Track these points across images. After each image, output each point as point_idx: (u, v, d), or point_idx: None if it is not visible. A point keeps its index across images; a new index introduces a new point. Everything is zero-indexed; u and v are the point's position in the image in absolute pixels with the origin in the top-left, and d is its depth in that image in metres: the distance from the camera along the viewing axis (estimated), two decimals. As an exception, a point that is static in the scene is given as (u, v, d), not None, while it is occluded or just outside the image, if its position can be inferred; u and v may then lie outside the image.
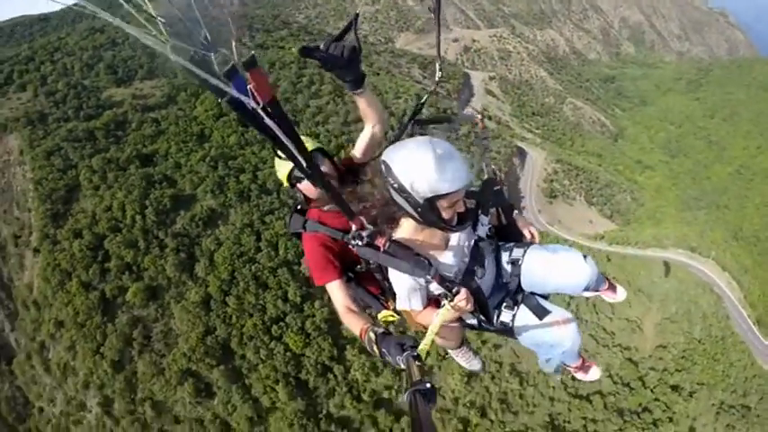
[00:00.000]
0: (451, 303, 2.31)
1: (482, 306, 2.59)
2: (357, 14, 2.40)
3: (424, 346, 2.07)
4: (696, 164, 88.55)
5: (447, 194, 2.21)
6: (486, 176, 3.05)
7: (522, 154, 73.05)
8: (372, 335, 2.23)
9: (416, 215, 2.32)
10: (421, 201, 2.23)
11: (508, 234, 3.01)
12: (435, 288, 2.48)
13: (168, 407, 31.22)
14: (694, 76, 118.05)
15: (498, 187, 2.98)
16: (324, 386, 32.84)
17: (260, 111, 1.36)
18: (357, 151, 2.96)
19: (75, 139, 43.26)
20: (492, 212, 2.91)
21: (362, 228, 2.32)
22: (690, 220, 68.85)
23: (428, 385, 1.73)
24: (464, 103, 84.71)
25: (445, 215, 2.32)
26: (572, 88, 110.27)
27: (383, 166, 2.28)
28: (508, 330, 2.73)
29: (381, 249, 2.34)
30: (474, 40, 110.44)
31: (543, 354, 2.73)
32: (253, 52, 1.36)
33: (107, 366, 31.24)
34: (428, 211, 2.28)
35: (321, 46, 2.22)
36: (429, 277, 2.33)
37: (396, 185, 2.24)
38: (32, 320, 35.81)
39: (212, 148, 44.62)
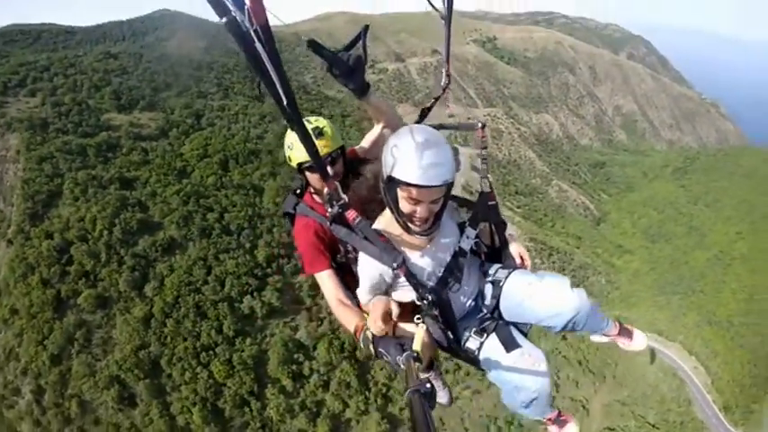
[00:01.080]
0: (419, 320, 2.35)
1: (450, 323, 2.57)
2: (367, 26, 2.71)
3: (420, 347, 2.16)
4: (676, 249, 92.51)
5: (409, 184, 2.19)
6: (481, 189, 2.98)
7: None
8: (369, 334, 2.26)
9: (383, 192, 2.36)
10: (386, 176, 2.27)
11: (498, 255, 2.98)
12: (402, 285, 2.54)
13: (92, 407, 35.90)
14: (681, 164, 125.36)
15: (493, 202, 2.94)
16: (239, 418, 37.68)
17: (252, 33, 1.45)
18: (364, 144, 3.26)
19: (67, 151, 49.96)
20: (484, 229, 2.92)
21: (337, 194, 2.40)
22: (663, 304, 72.17)
23: (428, 386, 1.79)
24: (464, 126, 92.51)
25: (402, 206, 2.31)
26: (560, 171, 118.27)
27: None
28: (475, 360, 2.64)
29: (352, 223, 2.41)
30: (468, 118, 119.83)
31: (507, 397, 2.62)
32: None
33: (46, 358, 36.22)
34: (387, 191, 2.31)
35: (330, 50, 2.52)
36: (395, 265, 2.36)
37: (383, 152, 2.32)
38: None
39: (189, 185, 51.41)
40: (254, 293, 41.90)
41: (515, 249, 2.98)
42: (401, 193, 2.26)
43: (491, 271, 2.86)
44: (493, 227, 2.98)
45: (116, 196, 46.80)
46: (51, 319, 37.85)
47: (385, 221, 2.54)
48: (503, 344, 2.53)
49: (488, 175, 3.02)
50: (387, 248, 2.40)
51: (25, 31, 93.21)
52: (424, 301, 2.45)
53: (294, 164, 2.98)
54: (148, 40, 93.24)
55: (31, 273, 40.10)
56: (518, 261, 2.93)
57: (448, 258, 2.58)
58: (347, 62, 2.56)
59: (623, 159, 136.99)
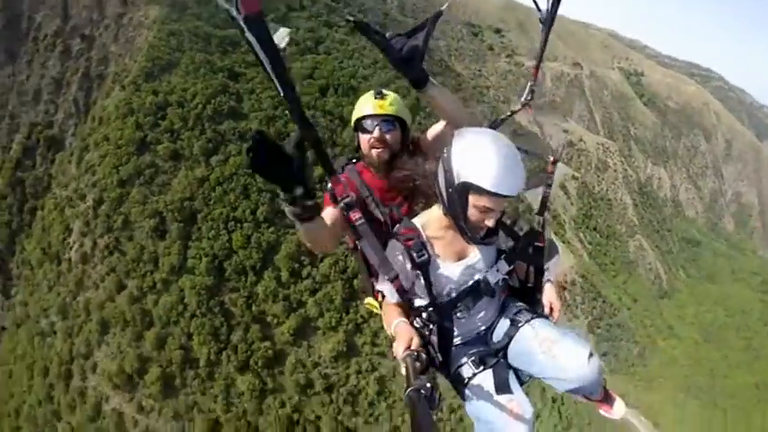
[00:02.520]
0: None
1: (443, 345, 2.63)
2: (439, 13, 2.58)
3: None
4: (723, 359, 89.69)
5: (485, 192, 2.23)
6: (531, 227, 2.94)
7: (551, 250, 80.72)
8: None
9: (445, 196, 2.36)
10: (456, 182, 2.28)
11: (526, 297, 2.93)
12: (417, 289, 2.57)
13: (133, 227, 46.32)
14: None
15: (540, 245, 2.91)
16: (234, 282, 44.16)
17: (240, 21, 1.50)
18: (428, 136, 3.13)
19: (195, 34, 59.57)
20: (521, 266, 2.88)
21: (339, 187, 2.46)
22: (679, 403, 71.86)
23: (428, 385, 1.85)
24: (531, 185, 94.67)
25: (471, 214, 2.34)
26: (648, 229, 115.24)
27: (452, 139, 2.37)
28: (460, 385, 2.59)
29: (354, 223, 2.44)
30: (581, 139, 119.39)
31: (477, 427, 2.50)
32: None
33: (116, 180, 47.11)
34: (456, 197, 2.31)
35: (387, 34, 2.46)
36: (387, 278, 2.45)
37: (446, 157, 2.33)
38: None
39: None
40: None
41: (547, 297, 2.88)
42: (473, 200, 2.29)
43: (513, 308, 2.79)
44: (531, 268, 2.92)
45: (220, 81, 56.32)
46: (131, 154, 48.34)
47: (429, 220, 2.60)
48: (495, 384, 2.46)
49: (546, 214, 3.05)
50: (384, 259, 2.47)
51: None
52: (423, 315, 2.55)
53: (352, 122, 3.08)
54: None
55: (130, 115, 50.96)
56: (546, 310, 2.84)
57: (470, 282, 2.61)
58: (400, 50, 2.46)
59: (719, 248, 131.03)
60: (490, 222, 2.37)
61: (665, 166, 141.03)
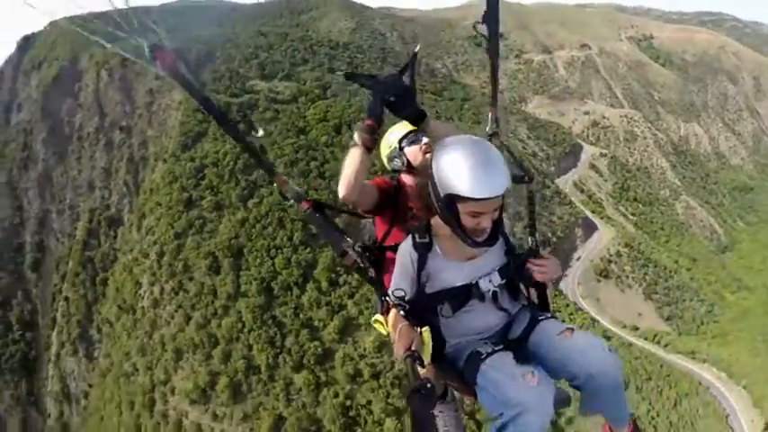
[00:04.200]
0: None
1: (436, 343, 2.67)
2: (416, 53, 2.92)
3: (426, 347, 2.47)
4: None
5: (469, 199, 2.37)
6: (530, 246, 3.11)
7: (590, 227, 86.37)
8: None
9: (437, 208, 2.53)
10: (442, 194, 2.44)
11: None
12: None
13: (193, 268, 58.58)
14: None
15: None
16: (283, 298, 54.73)
17: (161, 72, 2.04)
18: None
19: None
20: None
21: (284, 185, 2.69)
22: (761, 350, 70.51)
23: (429, 386, 2.01)
24: (562, 171, 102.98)
25: (464, 221, 2.48)
26: (693, 187, 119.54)
27: (433, 154, 2.56)
28: (474, 365, 2.59)
29: (306, 210, 2.75)
30: (604, 117, 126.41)
31: (491, 410, 2.48)
32: (161, 40, 2.09)
33: (172, 235, 60.11)
34: (447, 210, 2.47)
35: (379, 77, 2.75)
36: (337, 252, 2.78)
37: (430, 171, 2.50)
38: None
39: (304, 140, 71.56)
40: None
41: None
42: (463, 209, 2.43)
43: (530, 310, 2.95)
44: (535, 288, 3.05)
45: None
46: (181, 211, 61.18)
47: (439, 223, 2.69)
48: (516, 358, 2.55)
49: (536, 234, 3.16)
50: (334, 237, 2.81)
51: (195, 7, 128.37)
52: (401, 308, 2.67)
53: (395, 144, 3.43)
54: (303, 18, 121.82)
55: (174, 182, 64.29)
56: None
57: (459, 284, 2.73)
58: (388, 90, 2.71)
59: None
60: (486, 224, 2.52)
61: (699, 121, 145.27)
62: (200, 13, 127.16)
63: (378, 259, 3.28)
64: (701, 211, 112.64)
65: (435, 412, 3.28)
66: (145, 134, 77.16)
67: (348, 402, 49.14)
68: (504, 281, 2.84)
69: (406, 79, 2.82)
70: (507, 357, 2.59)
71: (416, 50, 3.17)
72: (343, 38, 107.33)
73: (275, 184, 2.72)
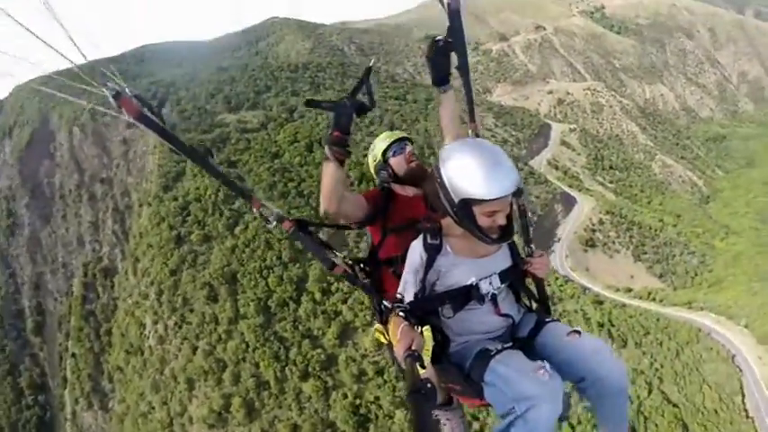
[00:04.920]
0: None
1: (439, 339, 2.89)
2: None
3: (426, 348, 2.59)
4: None
5: (483, 201, 2.53)
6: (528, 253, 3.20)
7: (569, 201, 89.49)
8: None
9: (452, 215, 2.68)
10: (456, 200, 2.59)
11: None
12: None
13: (192, 300, 61.75)
14: None
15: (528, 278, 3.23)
16: (280, 314, 57.58)
17: (128, 119, 2.36)
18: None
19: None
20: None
21: (261, 208, 3.01)
22: (757, 290, 71.94)
23: (429, 386, 2.07)
24: (534, 152, 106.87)
25: (481, 222, 2.63)
26: (666, 145, 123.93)
27: (438, 159, 2.72)
28: (483, 363, 2.70)
29: (288, 229, 2.99)
30: (568, 93, 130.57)
31: (501, 407, 2.55)
32: (124, 88, 2.42)
33: (167, 272, 63.15)
34: (463, 213, 2.62)
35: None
36: (336, 261, 3.00)
37: (440, 180, 2.66)
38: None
39: (279, 163, 75.23)
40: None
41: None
42: (479, 211, 2.59)
43: (536, 315, 3.13)
44: (535, 286, 3.27)
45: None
46: (172, 249, 64.50)
47: (449, 224, 2.83)
48: (526, 354, 2.67)
49: (532, 244, 3.27)
50: (320, 251, 3.07)
51: (154, 51, 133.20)
52: (400, 310, 2.74)
53: (377, 158, 3.85)
54: (261, 46, 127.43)
55: (162, 222, 67.59)
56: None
57: (461, 284, 2.86)
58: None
59: (747, 132, 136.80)
60: (501, 221, 2.68)
61: (662, 81, 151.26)
62: (159, 56, 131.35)
63: (373, 270, 3.53)
64: (678, 167, 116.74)
65: (442, 420, 3.49)
66: (125, 183, 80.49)
67: (357, 401, 52.13)
68: (502, 285, 2.97)
69: (362, 95, 3.08)
70: (516, 354, 2.70)
71: (370, 65, 3.34)
72: (303, 59, 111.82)
73: (254, 210, 3.02)
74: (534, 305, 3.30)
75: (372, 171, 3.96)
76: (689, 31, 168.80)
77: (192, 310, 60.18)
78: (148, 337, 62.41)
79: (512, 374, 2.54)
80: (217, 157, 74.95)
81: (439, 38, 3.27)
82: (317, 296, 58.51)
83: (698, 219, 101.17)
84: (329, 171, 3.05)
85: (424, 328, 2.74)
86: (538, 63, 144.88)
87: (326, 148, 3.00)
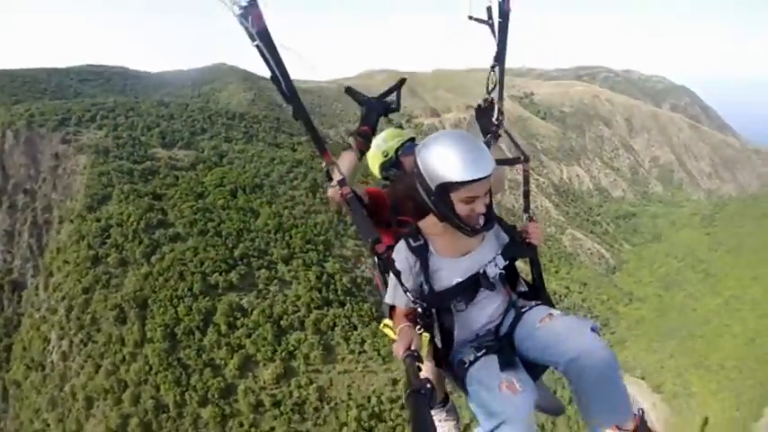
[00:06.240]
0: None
1: (446, 342, 3.04)
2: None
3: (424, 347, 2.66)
4: (688, 296, 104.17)
5: (460, 183, 2.62)
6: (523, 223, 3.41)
7: None
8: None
9: (430, 203, 2.80)
10: (433, 187, 2.69)
11: (534, 295, 3.37)
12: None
13: (101, 319, 64.90)
14: (710, 212, 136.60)
15: (532, 240, 3.34)
16: (185, 342, 61.61)
17: (250, 29, 2.35)
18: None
19: (120, 171, 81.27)
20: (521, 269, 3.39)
21: (330, 165, 3.08)
22: (656, 348, 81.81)
23: (428, 386, 2.13)
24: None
25: (459, 209, 2.73)
26: (577, 221, 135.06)
27: (416, 151, 2.84)
28: (461, 373, 2.91)
29: (345, 197, 3.03)
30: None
31: (479, 418, 2.72)
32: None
33: (80, 290, 66.27)
34: (440, 200, 2.72)
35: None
36: (370, 241, 2.91)
37: (416, 169, 2.80)
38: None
39: (202, 203, 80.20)
40: (222, 273, 69.46)
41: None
42: (456, 197, 2.70)
43: (519, 302, 3.21)
44: (530, 264, 3.42)
45: (147, 203, 76.82)
46: (88, 268, 67.86)
47: (427, 223, 3.02)
48: (500, 363, 2.72)
49: (530, 210, 3.53)
50: (369, 226, 2.99)
51: (98, 72, 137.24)
52: (421, 307, 2.90)
53: (392, 153, 4.23)
54: (204, 89, 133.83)
55: (81, 240, 70.91)
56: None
57: (468, 275, 2.98)
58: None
59: (655, 211, 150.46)
60: (480, 208, 2.76)
61: (579, 163, 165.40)
62: (102, 77, 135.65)
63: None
64: (587, 241, 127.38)
65: (437, 419, 3.70)
66: (49, 198, 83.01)
67: (252, 430, 56.45)
68: (507, 262, 3.16)
69: (385, 100, 3.58)
70: (491, 363, 2.79)
71: (404, 78, 4.14)
72: (242, 108, 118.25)
73: (324, 162, 3.11)
74: (528, 288, 3.49)
75: (376, 167, 4.28)
76: (608, 119, 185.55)
77: (99, 330, 63.25)
78: (52, 353, 64.73)
79: (481, 390, 2.71)
80: (144, 187, 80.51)
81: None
82: (223, 328, 63.19)
83: (603, 287, 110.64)
84: (349, 158, 3.38)
85: (423, 332, 2.83)
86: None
87: (352, 138, 3.42)
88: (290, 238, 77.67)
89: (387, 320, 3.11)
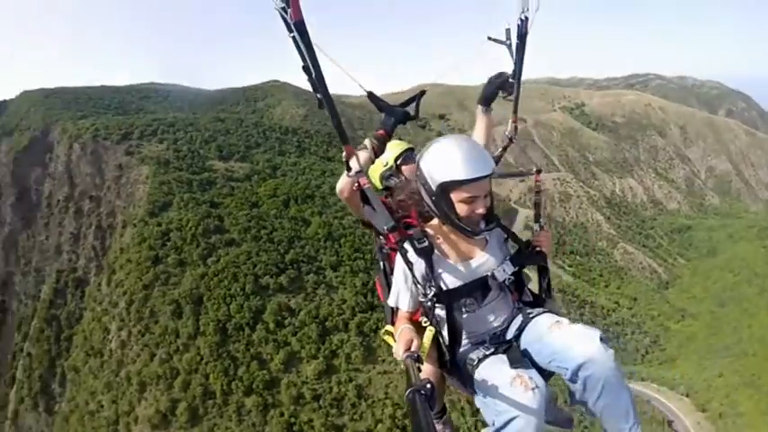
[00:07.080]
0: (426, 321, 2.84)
1: (453, 343, 3.02)
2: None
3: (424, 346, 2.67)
4: (743, 312, 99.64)
5: (461, 182, 2.69)
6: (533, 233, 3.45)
7: None
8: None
9: (432, 205, 2.86)
10: (434, 187, 2.75)
11: (539, 304, 3.35)
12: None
13: (158, 313, 69.88)
14: (767, 224, 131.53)
15: (542, 248, 3.36)
16: (235, 336, 66.16)
17: (288, 19, 2.37)
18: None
19: (179, 181, 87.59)
20: (528, 275, 3.39)
21: (351, 156, 3.01)
22: (706, 366, 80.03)
23: (428, 386, 2.12)
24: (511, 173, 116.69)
25: (459, 210, 2.78)
26: (629, 234, 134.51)
27: (419, 155, 2.91)
28: (470, 371, 2.91)
29: (362, 187, 3.00)
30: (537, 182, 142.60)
31: (486, 417, 2.74)
32: None
33: (141, 286, 71.54)
34: (441, 201, 2.78)
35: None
36: (385, 228, 2.85)
37: (418, 173, 2.87)
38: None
39: (256, 211, 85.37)
40: (273, 275, 73.87)
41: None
42: (456, 197, 2.76)
43: (526, 309, 3.23)
44: (538, 272, 3.42)
45: (205, 210, 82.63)
46: (149, 267, 73.15)
47: (432, 226, 3.10)
48: (509, 360, 2.74)
49: (542, 220, 3.55)
50: (384, 212, 2.94)
51: (159, 90, 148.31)
52: (428, 303, 2.90)
53: (391, 162, 4.42)
54: (258, 105, 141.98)
55: (143, 242, 76.74)
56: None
57: (477, 277, 3.02)
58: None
59: (712, 224, 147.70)
60: (481, 209, 2.82)
61: (632, 175, 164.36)
62: (162, 95, 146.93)
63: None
64: (639, 255, 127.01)
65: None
66: (113, 204, 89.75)
67: (292, 420, 59.68)
68: (516, 268, 3.19)
69: (411, 108, 3.69)
70: (500, 361, 2.81)
71: (425, 90, 4.24)
72: (294, 123, 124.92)
73: (344, 153, 3.03)
74: (534, 299, 3.46)
75: (377, 177, 4.43)
76: (661, 129, 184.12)
77: (156, 322, 68.19)
78: (111, 341, 69.89)
79: (491, 386, 2.69)
80: (201, 197, 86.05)
81: (504, 73, 4.00)
82: (271, 326, 67.21)
83: (655, 303, 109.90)
84: (365, 156, 3.41)
85: (428, 328, 2.85)
86: (515, 153, 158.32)
87: (368, 140, 3.49)
88: (339, 246, 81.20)
89: (388, 327, 3.17)
